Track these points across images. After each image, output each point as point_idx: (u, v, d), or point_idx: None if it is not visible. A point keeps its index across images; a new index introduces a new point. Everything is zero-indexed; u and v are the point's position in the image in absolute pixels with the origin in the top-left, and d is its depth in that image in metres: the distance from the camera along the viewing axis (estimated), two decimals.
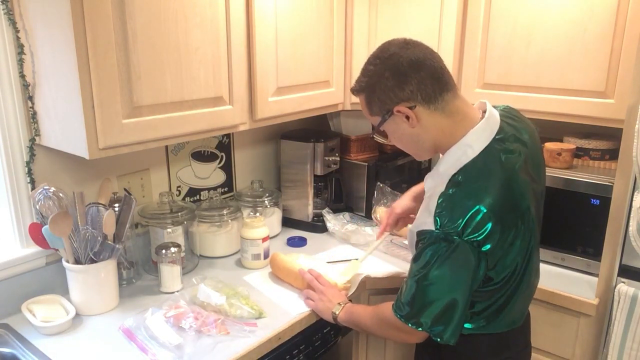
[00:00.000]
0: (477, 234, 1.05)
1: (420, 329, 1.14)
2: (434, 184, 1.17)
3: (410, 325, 1.15)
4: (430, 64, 1.12)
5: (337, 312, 1.41)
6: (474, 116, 1.17)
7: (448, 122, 1.14)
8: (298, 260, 1.63)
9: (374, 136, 1.27)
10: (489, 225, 1.05)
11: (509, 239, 1.10)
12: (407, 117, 1.14)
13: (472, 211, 1.05)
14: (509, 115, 1.24)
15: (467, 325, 1.20)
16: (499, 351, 1.26)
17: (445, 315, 1.12)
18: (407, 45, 1.14)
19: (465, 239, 1.06)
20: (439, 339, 1.14)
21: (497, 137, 1.15)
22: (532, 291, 1.32)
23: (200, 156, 1.91)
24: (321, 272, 1.55)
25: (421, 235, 1.12)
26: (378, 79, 1.14)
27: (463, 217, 1.05)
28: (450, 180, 1.12)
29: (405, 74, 1.11)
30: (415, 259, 1.15)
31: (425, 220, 1.11)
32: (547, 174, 1.71)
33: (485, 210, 1.05)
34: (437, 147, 1.18)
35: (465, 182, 1.10)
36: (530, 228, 1.16)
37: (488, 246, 1.07)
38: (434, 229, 1.08)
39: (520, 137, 1.20)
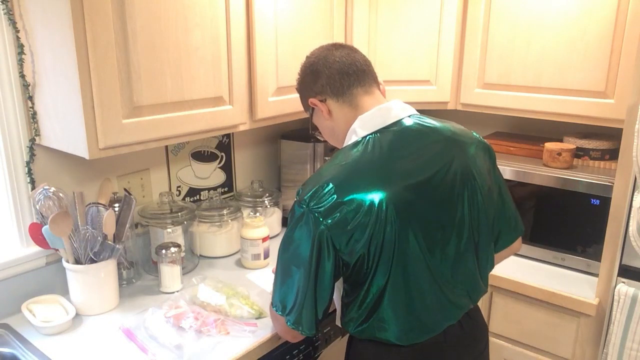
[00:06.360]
0: (320, 206, 1.04)
1: (280, 313, 1.14)
2: None
3: (275, 310, 1.16)
4: (343, 62, 1.19)
5: None
6: None
7: (354, 114, 1.19)
8: None
9: (311, 132, 1.33)
10: (332, 198, 1.03)
11: (351, 220, 1.03)
12: (322, 110, 1.22)
13: (321, 183, 1.05)
14: (430, 121, 1.19)
15: (351, 329, 1.15)
16: None
17: (287, 297, 1.11)
18: (333, 47, 1.24)
19: (310, 208, 1.04)
20: (295, 328, 1.12)
21: (389, 128, 1.14)
22: (439, 301, 1.13)
23: (200, 156, 1.91)
24: None
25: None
26: (303, 77, 1.27)
27: (313, 187, 1.06)
28: None
29: (318, 71, 1.21)
30: None
31: None
32: (547, 174, 1.74)
33: (331, 185, 1.04)
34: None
35: (332, 160, 1.12)
36: (391, 222, 1.04)
37: (329, 220, 1.03)
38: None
39: (426, 140, 1.14)
